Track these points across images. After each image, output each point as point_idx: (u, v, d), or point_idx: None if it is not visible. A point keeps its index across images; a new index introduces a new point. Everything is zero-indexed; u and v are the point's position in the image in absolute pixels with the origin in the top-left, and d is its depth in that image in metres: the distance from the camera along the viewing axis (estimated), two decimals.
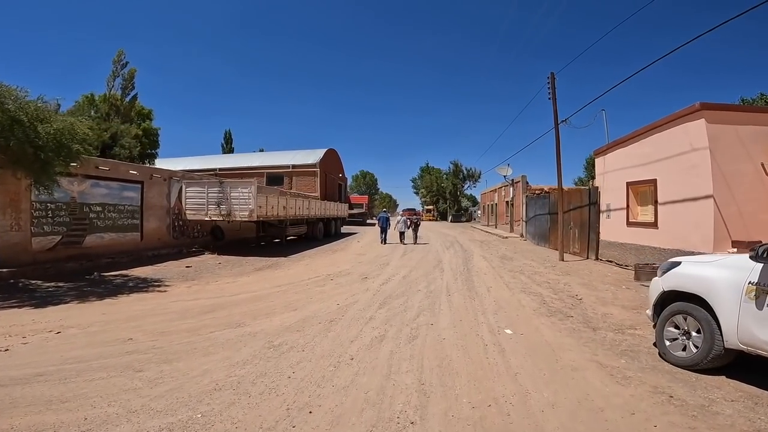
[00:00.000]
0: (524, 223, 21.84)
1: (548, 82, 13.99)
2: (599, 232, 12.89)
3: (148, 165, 17.90)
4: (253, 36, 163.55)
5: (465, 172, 57.04)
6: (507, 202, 26.69)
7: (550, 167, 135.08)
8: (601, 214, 12.86)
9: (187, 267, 11.54)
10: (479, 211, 55.32)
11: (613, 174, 12.13)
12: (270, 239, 19.10)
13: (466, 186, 58.66)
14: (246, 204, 14.03)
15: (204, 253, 14.41)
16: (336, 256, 14.84)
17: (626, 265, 11.28)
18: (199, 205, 14.55)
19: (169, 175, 14.97)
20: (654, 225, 10.26)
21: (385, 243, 18.91)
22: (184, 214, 14.78)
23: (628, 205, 11.36)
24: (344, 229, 31.82)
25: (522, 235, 22.03)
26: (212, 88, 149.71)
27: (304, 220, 20.09)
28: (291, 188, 39.57)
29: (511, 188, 24.89)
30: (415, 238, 19.53)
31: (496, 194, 31.37)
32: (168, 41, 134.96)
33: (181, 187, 14.79)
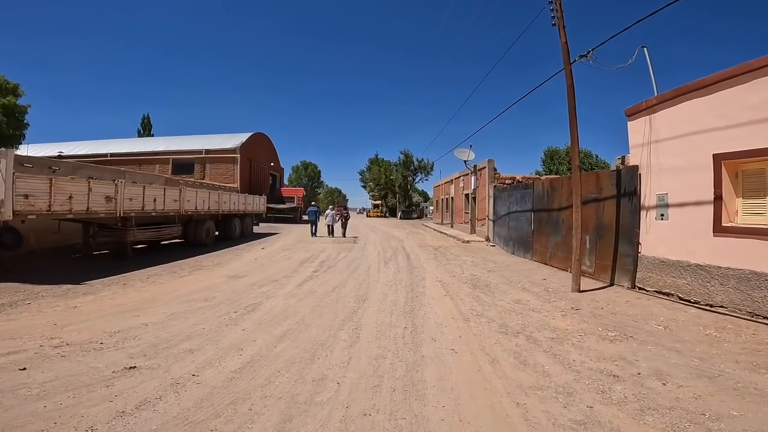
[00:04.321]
0: (491, 223, 16.44)
1: (551, 2, 8.36)
2: (639, 243, 7.47)
3: None
4: (192, 26, 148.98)
5: (416, 163, 51.68)
6: (467, 195, 21.30)
7: (517, 155, 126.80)
8: (642, 213, 7.44)
9: None
10: (431, 207, 50.35)
11: (678, 143, 6.71)
12: (115, 247, 12.03)
13: (417, 179, 53.38)
14: None
15: None
16: (182, 281, 8.22)
17: (713, 307, 5.87)
18: None
19: None
20: None
21: (314, 236, 19.05)
22: None
23: (719, 196, 5.94)
24: (265, 227, 25.02)
25: (488, 239, 16.62)
26: (137, 75, 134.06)
27: (175, 217, 13.25)
28: (203, 177, 31.84)
29: (472, 177, 19.48)
30: (343, 232, 19.95)
31: (453, 186, 25.98)
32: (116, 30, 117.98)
33: None
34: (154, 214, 11.62)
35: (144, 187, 11.18)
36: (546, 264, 10.83)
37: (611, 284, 8.11)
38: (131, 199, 10.55)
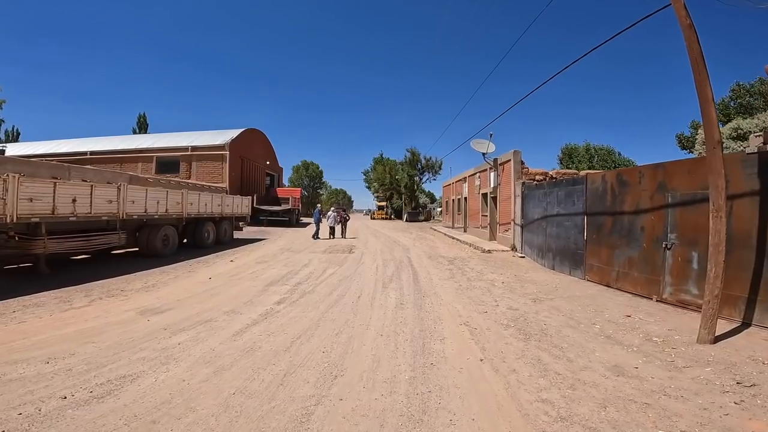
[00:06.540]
0: (519, 228, 13.29)
1: None
2: None
3: None
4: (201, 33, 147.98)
5: (423, 161, 48.44)
6: (485, 194, 18.13)
7: (530, 153, 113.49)
8: None
9: None
10: (440, 209, 47.09)
11: None
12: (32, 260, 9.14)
13: (424, 179, 50.12)
14: None
15: None
16: (56, 319, 5.18)
17: None
18: None
19: None
20: None
21: (317, 238, 18.83)
22: None
23: None
24: (254, 232, 22.09)
25: (515, 248, 13.46)
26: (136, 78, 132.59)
27: (116, 223, 10.32)
28: (189, 177, 29.00)
29: (491, 173, 16.36)
30: (343, 232, 20.74)
31: (466, 184, 22.82)
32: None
33: None
34: (73, 218, 8.67)
35: (54, 184, 8.24)
36: (610, 287, 7.70)
37: (744, 324, 5.00)
38: (31, 200, 7.62)
